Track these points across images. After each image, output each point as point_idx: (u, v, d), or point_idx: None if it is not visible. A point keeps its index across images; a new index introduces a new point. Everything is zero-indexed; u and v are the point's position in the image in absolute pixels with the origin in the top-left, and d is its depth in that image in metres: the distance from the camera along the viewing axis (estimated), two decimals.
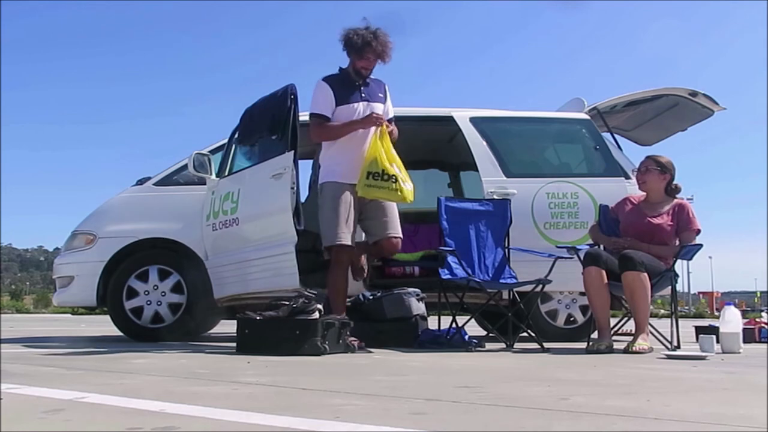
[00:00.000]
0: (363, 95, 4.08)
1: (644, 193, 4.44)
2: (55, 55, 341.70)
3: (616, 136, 5.84)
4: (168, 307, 4.96)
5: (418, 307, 4.38)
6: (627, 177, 5.28)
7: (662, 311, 21.37)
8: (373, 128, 4.00)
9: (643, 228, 4.27)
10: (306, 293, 3.93)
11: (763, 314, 6.28)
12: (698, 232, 4.29)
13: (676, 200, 4.37)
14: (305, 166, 6.02)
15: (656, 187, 4.36)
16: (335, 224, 3.91)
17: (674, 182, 4.40)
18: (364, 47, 3.98)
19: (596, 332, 4.17)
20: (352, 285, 4.89)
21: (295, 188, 4.14)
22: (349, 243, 3.94)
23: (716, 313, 27.98)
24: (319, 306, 3.79)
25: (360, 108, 4.04)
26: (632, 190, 4.78)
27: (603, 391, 2.20)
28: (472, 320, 5.11)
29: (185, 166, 5.04)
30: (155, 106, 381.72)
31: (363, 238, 4.18)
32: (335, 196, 3.97)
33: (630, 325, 4.27)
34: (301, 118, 4.20)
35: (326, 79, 4.07)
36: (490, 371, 2.92)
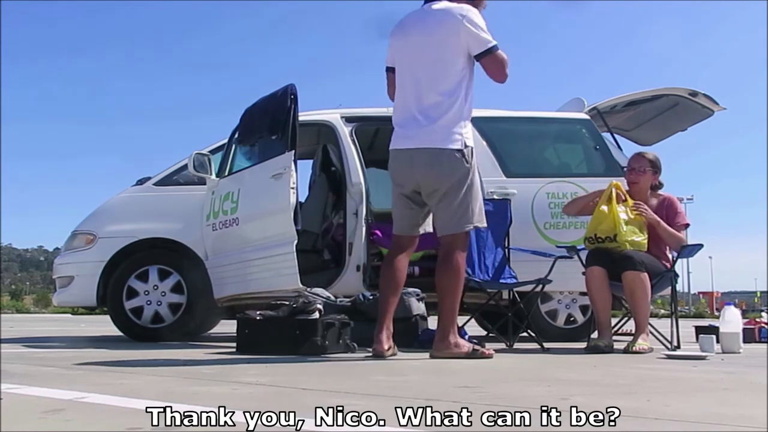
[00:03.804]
0: None
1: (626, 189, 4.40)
2: (56, 53, 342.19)
3: (616, 136, 5.84)
4: (168, 307, 4.95)
5: (418, 307, 4.38)
6: None
7: (662, 311, 21.37)
8: None
9: None
10: (306, 293, 3.93)
11: (763, 314, 6.28)
12: (686, 226, 4.29)
13: (662, 195, 4.36)
14: (305, 166, 6.05)
15: (647, 186, 4.34)
16: (480, 203, 3.58)
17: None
18: None
19: (596, 332, 4.17)
20: (352, 285, 4.91)
21: (296, 188, 4.14)
22: None
23: (716, 313, 27.99)
24: (319, 306, 3.79)
25: None
26: None
27: (603, 391, 2.20)
28: (472, 320, 5.11)
29: (185, 166, 5.04)
30: (156, 106, 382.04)
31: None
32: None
33: (630, 325, 4.28)
34: (301, 118, 4.20)
35: None
36: (490, 371, 2.91)
